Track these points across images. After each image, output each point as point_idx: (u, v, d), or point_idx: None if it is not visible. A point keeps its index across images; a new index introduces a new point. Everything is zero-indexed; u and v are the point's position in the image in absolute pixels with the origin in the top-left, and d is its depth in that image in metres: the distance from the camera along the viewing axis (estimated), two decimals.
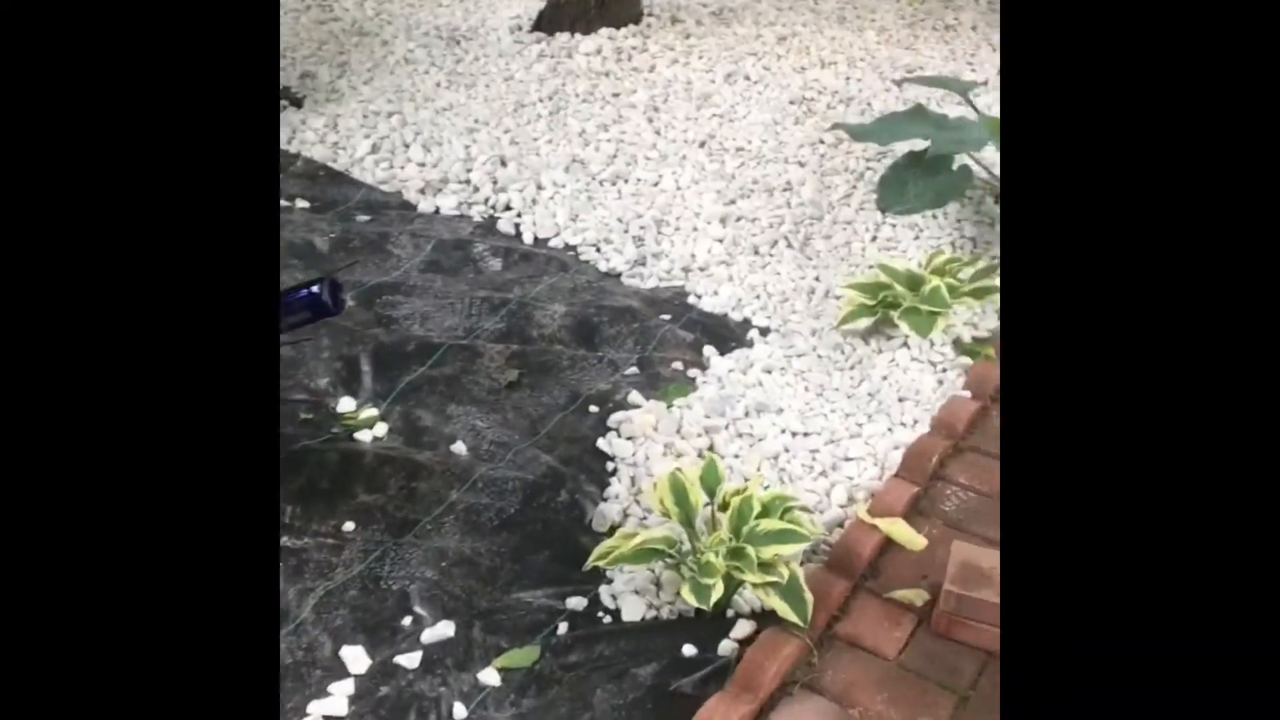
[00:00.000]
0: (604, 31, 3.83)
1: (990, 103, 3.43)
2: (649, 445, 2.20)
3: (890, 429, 2.24)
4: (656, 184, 3.12)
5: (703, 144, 3.32)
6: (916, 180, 2.72)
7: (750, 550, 1.79)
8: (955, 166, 2.74)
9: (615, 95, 3.54)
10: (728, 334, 2.58)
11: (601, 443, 2.21)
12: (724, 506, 1.92)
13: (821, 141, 3.35)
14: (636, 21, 3.95)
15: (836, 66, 3.82)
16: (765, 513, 1.86)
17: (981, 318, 2.54)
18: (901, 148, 2.99)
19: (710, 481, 1.94)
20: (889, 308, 2.47)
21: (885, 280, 2.50)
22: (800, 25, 4.08)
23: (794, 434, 2.24)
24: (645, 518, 2.05)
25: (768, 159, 3.26)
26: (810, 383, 2.39)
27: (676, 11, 4.12)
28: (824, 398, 2.35)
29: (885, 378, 2.40)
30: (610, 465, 2.17)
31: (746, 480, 2.09)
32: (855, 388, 2.38)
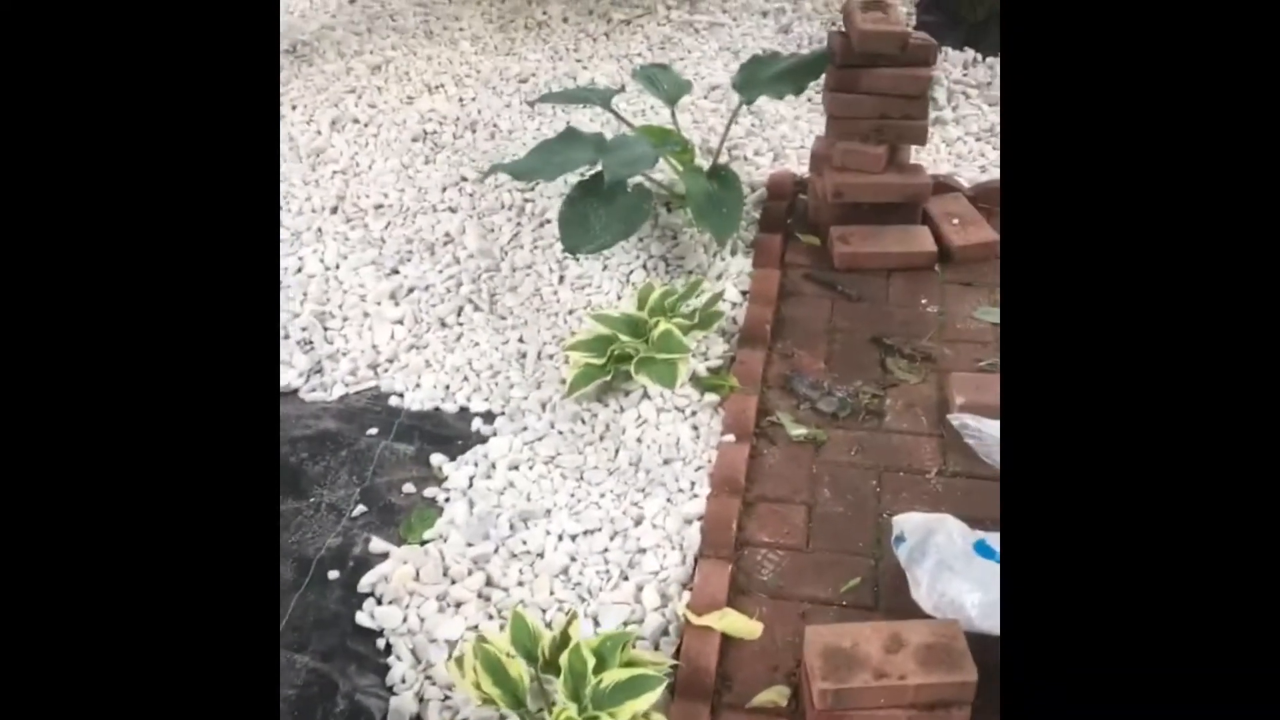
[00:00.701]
0: None
1: (633, 110, 3.29)
2: (419, 603, 1.86)
3: (670, 499, 2.05)
4: (299, 269, 2.70)
5: (335, 209, 2.92)
6: (597, 212, 2.51)
7: (605, 717, 1.53)
8: (630, 188, 2.57)
9: None
10: (450, 432, 2.26)
11: (361, 617, 1.84)
12: (549, 665, 1.64)
13: (464, 179, 3.05)
14: None
15: (445, 89, 3.52)
16: (601, 662, 1.61)
17: (708, 344, 2.40)
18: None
19: (525, 643, 1.65)
20: (620, 362, 2.26)
21: (606, 333, 2.29)
22: (390, 49, 3.72)
23: (573, 537, 1.98)
24: (448, 696, 1.72)
25: (414, 210, 2.93)
26: (565, 468, 2.14)
27: None
28: (586, 481, 2.11)
29: (639, 439, 2.19)
30: (381, 643, 1.81)
31: (552, 623, 1.81)
32: (614, 460, 2.15)
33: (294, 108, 3.35)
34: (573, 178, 2.76)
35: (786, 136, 3.19)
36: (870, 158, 2.57)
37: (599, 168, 2.58)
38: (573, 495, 2.07)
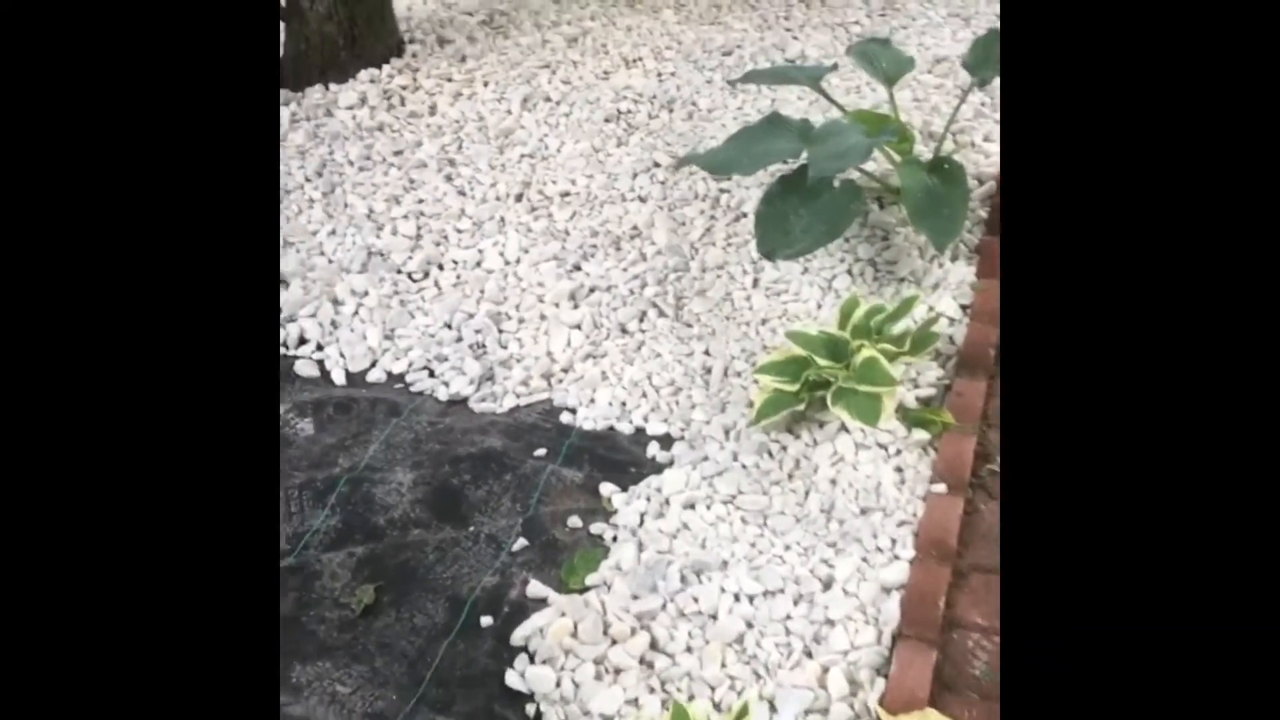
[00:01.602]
0: (363, 75, 3.17)
1: (846, 86, 2.97)
2: (574, 665, 1.66)
3: (866, 559, 1.77)
4: (479, 263, 2.54)
5: (519, 196, 2.74)
6: (799, 211, 2.23)
7: None
8: (838, 184, 2.26)
9: (398, 154, 2.91)
10: (624, 457, 2.05)
11: (511, 677, 1.66)
12: None
13: (656, 165, 2.82)
14: (399, 53, 3.30)
15: (643, 63, 3.28)
16: None
17: (921, 372, 2.09)
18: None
19: None
20: (816, 389, 1.98)
21: (801, 354, 2.01)
22: (589, 20, 3.51)
23: (751, 598, 1.73)
24: None
25: (601, 200, 2.72)
26: (746, 510, 1.89)
27: (441, 29, 3.48)
28: (770, 529, 1.85)
29: (833, 481, 1.91)
30: (530, 708, 1.62)
31: (721, 703, 1.57)
32: (802, 504, 1.89)
33: (485, 84, 3.19)
34: (775, 169, 2.48)
35: None
36: None
37: (804, 159, 2.29)
38: (753, 545, 1.82)
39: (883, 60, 2.53)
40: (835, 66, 2.78)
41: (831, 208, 2.22)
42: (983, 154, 2.68)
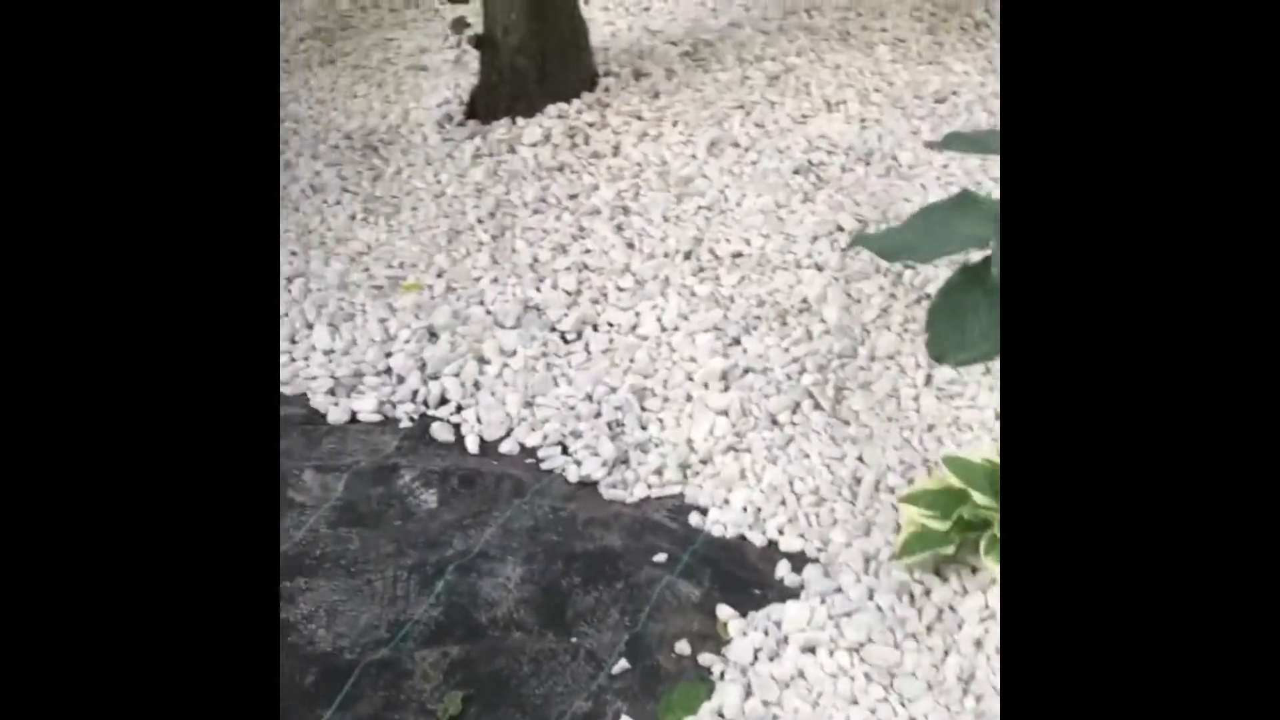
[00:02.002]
0: (552, 109, 3.09)
1: None
2: None
3: None
4: (634, 328, 2.40)
5: (688, 254, 2.58)
6: (978, 311, 1.96)
7: None
8: None
9: (573, 197, 2.80)
10: (749, 575, 1.86)
11: None
12: None
13: (839, 229, 2.59)
14: (591, 86, 3.19)
15: (847, 107, 3.04)
16: None
17: None
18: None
19: None
20: (970, 530, 1.73)
21: (957, 485, 1.76)
22: (794, 55, 3.29)
23: None
24: None
25: (774, 265, 2.52)
26: (872, 665, 1.67)
27: (639, 61, 3.35)
28: (895, 693, 1.63)
29: (979, 644, 1.67)
30: None
31: None
32: (939, 667, 1.65)
33: (674, 124, 3.04)
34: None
35: None
36: None
37: (991, 249, 2.02)
38: (873, 713, 1.60)
39: None
40: None
41: None
42: None
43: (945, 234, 2.09)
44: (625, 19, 3.61)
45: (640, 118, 3.07)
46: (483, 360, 2.34)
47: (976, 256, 2.12)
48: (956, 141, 2.37)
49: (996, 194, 2.55)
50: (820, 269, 2.48)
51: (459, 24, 3.16)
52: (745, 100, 3.11)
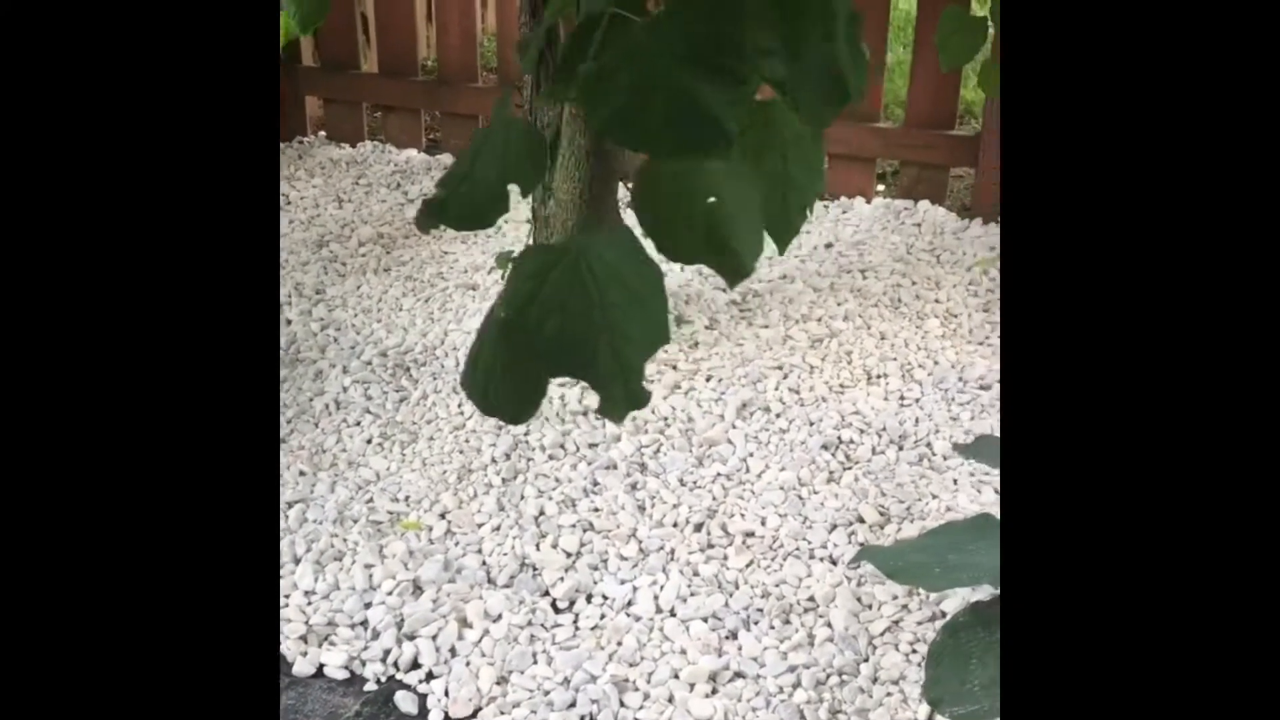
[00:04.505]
0: None
1: None
2: None
3: None
4: (629, 605, 2.27)
5: (699, 526, 2.47)
6: (985, 655, 1.80)
7: None
8: None
9: (592, 446, 2.73)
10: None
11: None
12: None
13: (860, 519, 2.46)
14: None
15: (886, 382, 2.96)
16: None
17: None
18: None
19: None
20: None
21: None
22: (842, 319, 3.24)
23: None
24: None
25: (786, 551, 2.39)
26: None
27: (684, 306, 3.33)
28: None
29: None
30: None
31: None
32: None
33: (708, 379, 2.98)
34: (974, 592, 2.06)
35: None
36: None
37: None
38: None
39: None
40: None
41: None
42: None
43: (958, 562, 1.95)
44: None
45: (675, 368, 3.02)
46: (465, 623, 2.22)
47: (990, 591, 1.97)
48: (986, 451, 2.25)
49: None
50: (834, 563, 2.35)
51: (504, 259, 3.17)
52: (785, 362, 3.04)
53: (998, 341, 3.10)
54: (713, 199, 1.00)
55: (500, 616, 2.24)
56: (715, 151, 0.91)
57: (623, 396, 1.01)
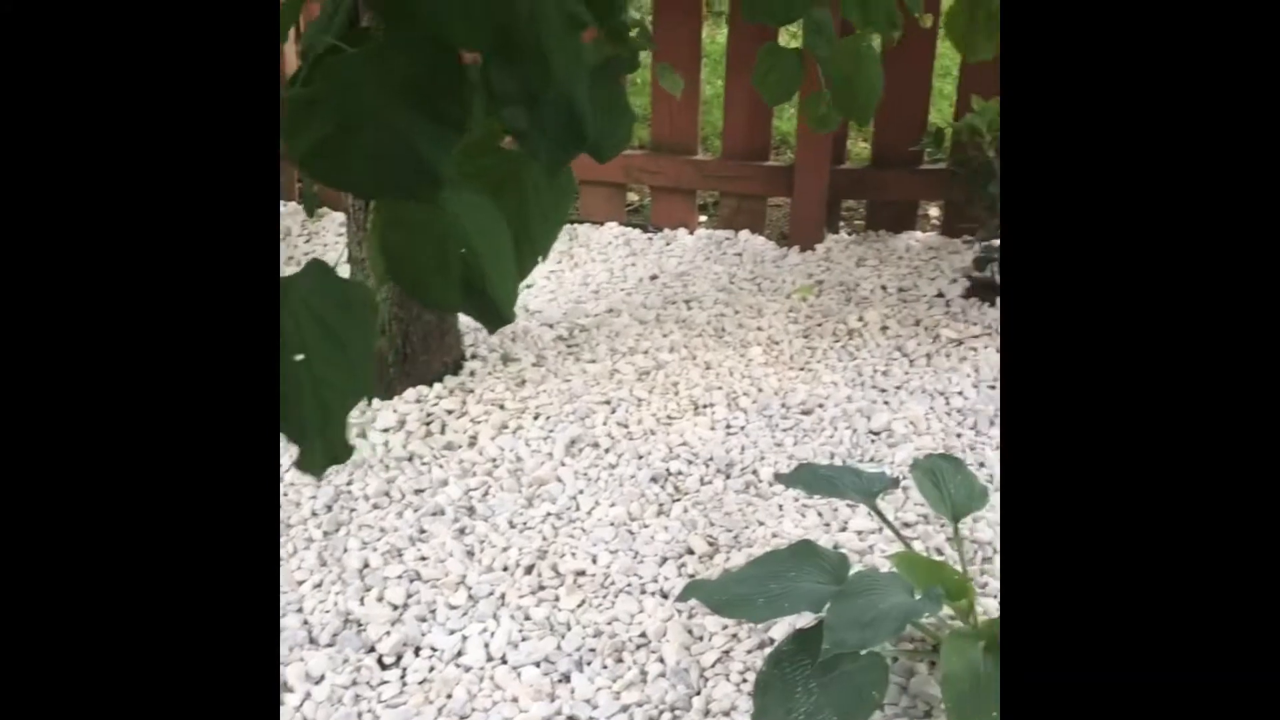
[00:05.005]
0: (410, 393, 2.99)
1: (905, 502, 2.58)
2: None
3: None
4: (458, 656, 2.21)
5: (530, 569, 2.43)
6: (810, 684, 1.83)
7: None
8: (864, 652, 1.86)
9: (419, 492, 2.66)
10: None
11: None
12: None
13: (689, 551, 2.47)
14: (455, 370, 3.11)
15: (713, 411, 2.99)
16: None
17: None
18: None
19: None
20: None
21: None
22: (668, 350, 3.27)
23: None
24: None
25: (618, 588, 2.38)
26: None
27: (511, 344, 3.30)
28: None
29: None
30: None
31: None
32: None
33: (536, 417, 2.95)
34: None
35: None
36: None
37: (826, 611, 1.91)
38: None
39: (950, 484, 2.15)
40: (898, 482, 2.41)
41: (847, 688, 1.81)
42: None
43: (780, 590, 1.98)
44: None
45: (503, 407, 2.98)
46: (285, 687, 2.13)
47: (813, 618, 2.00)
48: (804, 480, 2.29)
49: (847, 536, 2.47)
50: (664, 597, 2.34)
51: None
52: (612, 396, 3.04)
53: (817, 366, 3.18)
54: (464, 250, 0.98)
55: (323, 678, 2.15)
56: (422, 195, 0.88)
57: (321, 449, 0.96)
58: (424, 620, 2.30)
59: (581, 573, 2.43)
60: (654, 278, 3.73)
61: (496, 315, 1.03)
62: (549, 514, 2.61)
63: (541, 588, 2.39)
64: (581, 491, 2.68)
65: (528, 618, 2.30)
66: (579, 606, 2.34)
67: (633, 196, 4.31)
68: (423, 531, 2.54)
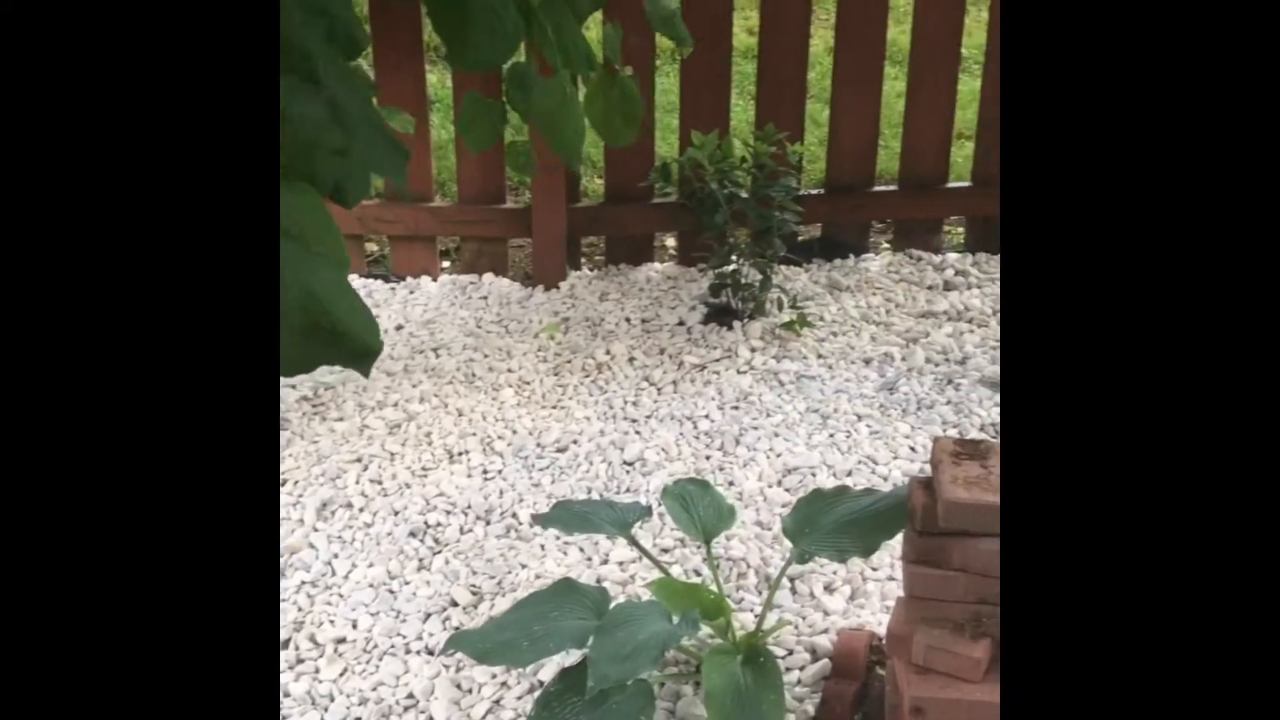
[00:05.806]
0: None
1: (663, 529, 2.63)
2: None
3: None
4: None
5: (286, 642, 2.33)
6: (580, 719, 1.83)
7: None
8: (630, 684, 1.89)
9: None
10: None
11: None
12: None
13: (454, 604, 2.44)
14: None
15: (468, 458, 2.96)
16: None
17: None
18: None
19: None
20: None
21: None
22: (418, 400, 3.22)
23: None
24: None
25: (381, 650, 2.31)
26: None
27: None
28: None
29: None
30: None
31: None
32: None
33: (284, 483, 2.84)
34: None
35: (875, 563, 2.48)
36: (966, 662, 1.84)
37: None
38: None
39: (699, 507, 2.22)
40: (651, 510, 2.47)
41: (617, 718, 1.83)
42: (818, 611, 2.34)
43: (543, 631, 1.98)
44: None
45: None
46: None
47: (578, 655, 2.01)
48: (561, 519, 2.31)
49: (609, 568, 2.50)
50: (430, 654, 2.30)
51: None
52: (363, 453, 2.97)
53: (569, 403, 3.22)
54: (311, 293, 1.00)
55: None
56: None
57: None
58: None
59: (342, 640, 2.35)
60: (399, 328, 3.68)
61: (365, 350, 1.08)
62: (303, 582, 2.51)
63: (300, 660, 2.30)
64: (336, 555, 2.59)
65: (287, 694, 2.20)
66: (341, 675, 2.26)
67: (372, 247, 4.23)
68: None
